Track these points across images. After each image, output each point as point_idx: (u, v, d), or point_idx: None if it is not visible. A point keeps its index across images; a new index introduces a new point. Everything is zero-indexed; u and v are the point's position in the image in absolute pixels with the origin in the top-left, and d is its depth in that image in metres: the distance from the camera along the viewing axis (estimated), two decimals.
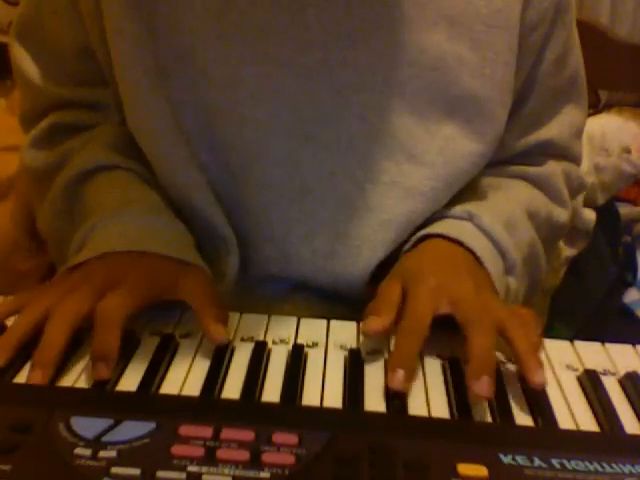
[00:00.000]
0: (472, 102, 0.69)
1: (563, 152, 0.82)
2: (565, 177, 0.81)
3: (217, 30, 0.66)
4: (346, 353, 0.60)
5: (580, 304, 1.13)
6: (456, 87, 0.68)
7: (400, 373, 0.55)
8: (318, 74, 0.67)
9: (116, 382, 0.55)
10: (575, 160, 0.84)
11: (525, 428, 0.53)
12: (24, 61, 0.76)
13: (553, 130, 0.79)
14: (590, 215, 1.22)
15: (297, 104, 0.67)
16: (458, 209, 0.71)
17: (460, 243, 0.67)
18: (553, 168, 0.80)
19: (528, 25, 0.71)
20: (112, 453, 0.46)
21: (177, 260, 0.64)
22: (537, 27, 0.71)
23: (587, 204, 1.24)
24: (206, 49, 0.66)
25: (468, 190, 0.76)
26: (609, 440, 0.53)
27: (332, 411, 0.53)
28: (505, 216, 0.72)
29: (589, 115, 1.40)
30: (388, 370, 0.56)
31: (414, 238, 0.69)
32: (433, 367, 0.59)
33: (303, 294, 0.74)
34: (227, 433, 0.48)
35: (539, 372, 0.55)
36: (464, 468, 0.46)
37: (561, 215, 0.80)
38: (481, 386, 0.53)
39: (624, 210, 1.29)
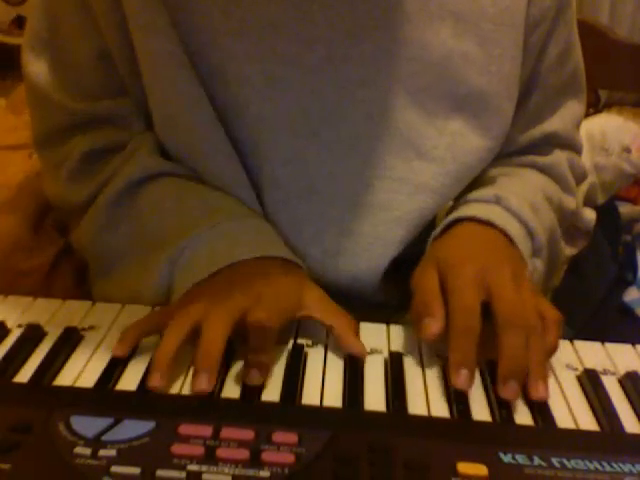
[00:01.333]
0: (479, 98, 0.69)
1: (566, 142, 0.82)
2: (570, 165, 0.82)
3: (224, 27, 0.66)
4: (346, 353, 0.60)
5: (580, 303, 1.12)
6: (462, 84, 0.68)
7: (464, 372, 0.55)
8: (323, 70, 0.67)
9: (116, 381, 0.55)
10: (577, 150, 0.85)
11: (525, 427, 0.53)
12: (39, 75, 0.72)
13: (556, 123, 0.80)
14: (590, 214, 1.22)
15: (302, 101, 0.67)
16: (484, 192, 0.71)
17: (492, 225, 0.66)
18: (559, 157, 0.81)
19: (531, 22, 0.71)
20: (112, 452, 0.46)
21: (292, 263, 0.64)
22: (540, 24, 0.72)
23: (587, 203, 1.24)
24: (215, 46, 0.66)
25: (482, 179, 0.76)
26: (609, 439, 0.53)
27: (332, 410, 0.53)
28: (529, 200, 0.72)
29: (589, 115, 1.40)
30: (451, 371, 0.56)
31: (443, 223, 0.69)
32: (433, 367, 0.59)
33: None
34: (227, 432, 0.48)
35: (540, 387, 0.55)
36: (464, 467, 0.46)
37: (570, 203, 0.81)
38: (508, 391, 0.55)
39: (624, 209, 1.29)
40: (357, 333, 0.61)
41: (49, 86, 0.72)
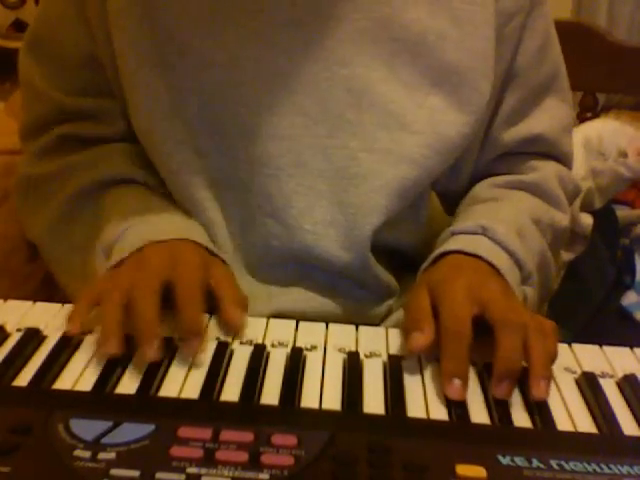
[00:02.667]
0: (455, 74, 0.71)
1: (553, 149, 0.82)
2: (559, 181, 0.82)
3: (212, 15, 0.69)
4: (345, 356, 0.61)
5: (578, 307, 1.13)
6: (439, 60, 0.70)
7: (457, 382, 0.56)
8: (306, 51, 0.69)
9: (116, 384, 0.55)
10: (566, 158, 0.85)
11: (523, 430, 0.53)
12: (32, 70, 0.77)
13: (542, 124, 0.80)
14: (587, 219, 1.22)
15: (287, 82, 0.70)
16: (470, 224, 0.72)
17: (478, 257, 0.67)
18: (547, 173, 0.81)
19: (504, 14, 0.73)
20: (111, 455, 0.46)
21: (210, 251, 0.68)
22: (514, 16, 0.74)
23: (584, 208, 1.24)
24: (203, 35, 0.69)
25: (472, 204, 0.78)
26: (607, 442, 0.53)
27: (331, 413, 0.53)
28: (516, 226, 0.73)
29: (586, 119, 1.41)
30: (444, 380, 0.56)
31: (431, 257, 0.70)
32: (432, 369, 0.59)
33: (305, 283, 0.74)
34: (226, 435, 0.48)
35: (541, 386, 0.56)
36: (463, 469, 0.46)
37: (562, 220, 0.81)
38: (501, 390, 0.56)
39: (622, 213, 1.29)
40: (244, 309, 0.64)
41: (39, 79, 0.77)
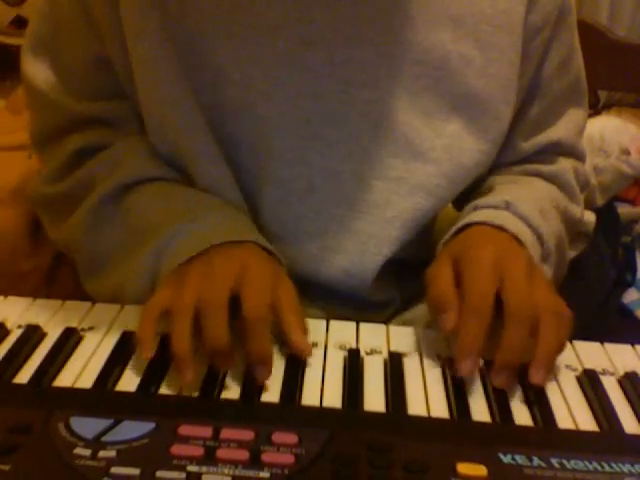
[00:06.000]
0: (476, 101, 0.69)
1: (570, 150, 0.83)
2: (575, 174, 0.82)
3: (228, 30, 0.67)
4: (345, 353, 0.60)
5: (580, 305, 1.12)
6: (460, 86, 0.69)
7: (469, 360, 0.56)
8: (323, 72, 0.67)
9: (116, 382, 0.55)
10: (581, 157, 0.85)
11: (524, 428, 0.53)
12: (38, 75, 0.74)
13: (560, 131, 0.80)
14: (590, 217, 1.22)
15: (304, 103, 0.68)
16: (493, 199, 0.71)
17: (503, 230, 0.67)
18: (564, 166, 0.81)
19: (532, 28, 0.71)
20: (112, 453, 0.46)
21: (269, 251, 0.65)
22: (541, 30, 0.72)
23: (586, 205, 1.23)
24: (219, 50, 0.67)
25: (488, 187, 0.77)
26: (608, 440, 0.53)
27: (331, 411, 0.53)
28: (538, 205, 0.72)
29: (589, 116, 1.40)
30: (458, 356, 0.56)
31: (454, 228, 0.69)
32: (432, 367, 0.59)
33: (304, 295, 0.74)
34: (227, 433, 0.48)
35: (541, 373, 0.56)
36: (463, 467, 0.46)
37: (576, 211, 0.81)
38: (500, 380, 0.56)
39: (623, 210, 1.29)
40: (306, 333, 0.60)
41: (47, 87, 0.73)
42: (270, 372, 0.55)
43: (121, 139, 0.74)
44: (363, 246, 0.70)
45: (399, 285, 0.77)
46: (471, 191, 0.79)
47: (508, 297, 0.58)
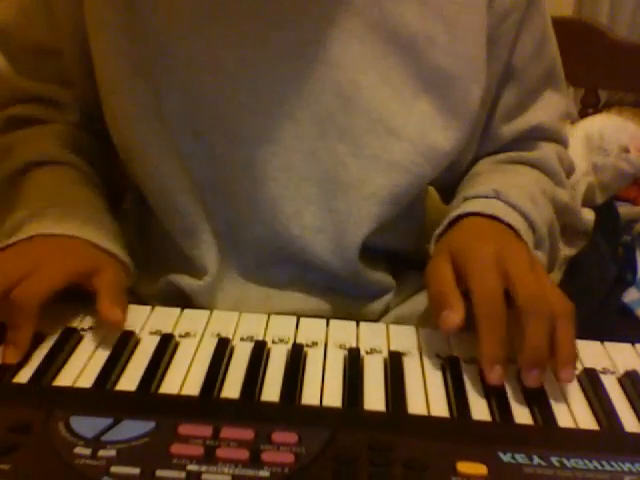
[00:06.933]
0: (445, 79, 0.70)
1: (552, 135, 0.83)
2: (559, 158, 0.83)
3: (196, 14, 0.67)
4: (345, 352, 0.60)
5: (580, 303, 1.13)
6: (429, 64, 0.69)
7: (498, 368, 0.56)
8: (293, 53, 0.68)
9: (116, 381, 0.55)
10: (563, 142, 0.86)
11: (524, 426, 0.53)
12: None
13: (539, 115, 0.80)
14: (589, 215, 1.22)
15: (275, 83, 0.68)
16: (482, 188, 0.71)
17: (496, 219, 0.67)
18: (547, 151, 0.82)
19: (500, 11, 0.72)
20: (112, 452, 0.46)
21: (104, 250, 0.66)
22: (510, 13, 0.73)
23: (586, 204, 1.23)
24: (186, 34, 0.68)
25: (475, 176, 0.77)
26: (608, 438, 0.53)
27: (332, 410, 0.53)
28: (527, 192, 0.73)
29: (589, 115, 1.40)
30: (485, 366, 0.56)
31: (446, 220, 0.69)
32: (432, 366, 0.59)
33: (302, 283, 0.74)
34: (227, 432, 0.48)
35: (569, 370, 0.56)
36: (463, 466, 0.46)
37: (563, 195, 0.81)
38: (532, 379, 0.56)
39: (623, 209, 1.29)
40: (122, 308, 0.62)
41: (1, 64, 0.77)
42: (19, 356, 0.57)
43: (54, 121, 0.78)
44: (343, 225, 0.70)
45: (396, 277, 0.77)
46: (457, 182, 0.80)
47: (520, 293, 0.58)
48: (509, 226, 0.66)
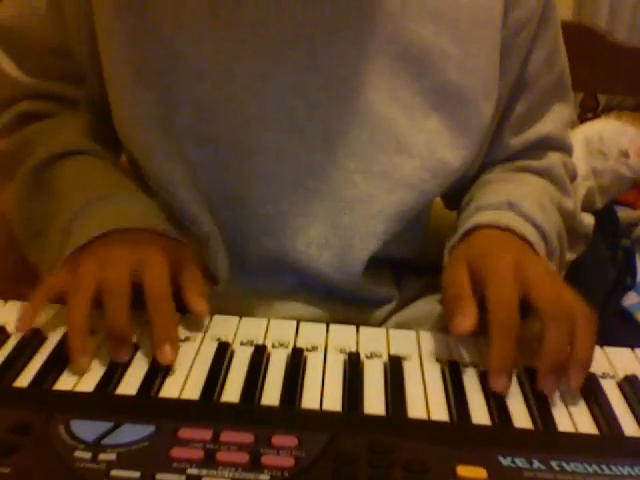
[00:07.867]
0: (455, 95, 0.70)
1: (559, 145, 0.83)
2: (564, 167, 0.83)
3: (209, 27, 0.67)
4: (345, 356, 0.61)
5: None
6: (440, 81, 0.69)
7: (504, 378, 0.56)
8: (306, 67, 0.68)
9: (116, 385, 0.55)
10: (568, 150, 0.86)
11: (524, 430, 0.53)
12: (1, 59, 0.77)
13: (548, 126, 0.81)
14: (589, 219, 1.22)
15: (286, 98, 0.68)
16: (495, 199, 0.72)
17: (509, 231, 0.67)
18: (554, 160, 0.82)
19: (516, 25, 0.72)
20: (112, 456, 0.46)
21: (174, 239, 0.67)
22: (525, 26, 0.73)
23: (586, 208, 1.24)
24: (199, 46, 0.67)
25: (486, 185, 0.77)
26: (608, 442, 0.53)
27: (331, 414, 0.53)
28: (538, 202, 0.73)
29: (588, 119, 1.40)
30: (492, 375, 0.56)
31: (461, 231, 0.70)
32: (432, 370, 0.59)
33: (304, 292, 0.74)
34: (227, 436, 0.48)
35: (581, 375, 0.57)
36: (463, 470, 0.46)
37: (569, 204, 0.82)
38: (550, 384, 0.56)
39: (623, 213, 1.29)
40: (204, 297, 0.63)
41: (6, 64, 0.77)
42: (175, 350, 0.57)
43: (67, 112, 0.77)
44: (349, 241, 0.70)
45: (397, 283, 0.77)
46: (463, 190, 0.80)
47: (540, 297, 0.58)
48: (523, 238, 0.67)
